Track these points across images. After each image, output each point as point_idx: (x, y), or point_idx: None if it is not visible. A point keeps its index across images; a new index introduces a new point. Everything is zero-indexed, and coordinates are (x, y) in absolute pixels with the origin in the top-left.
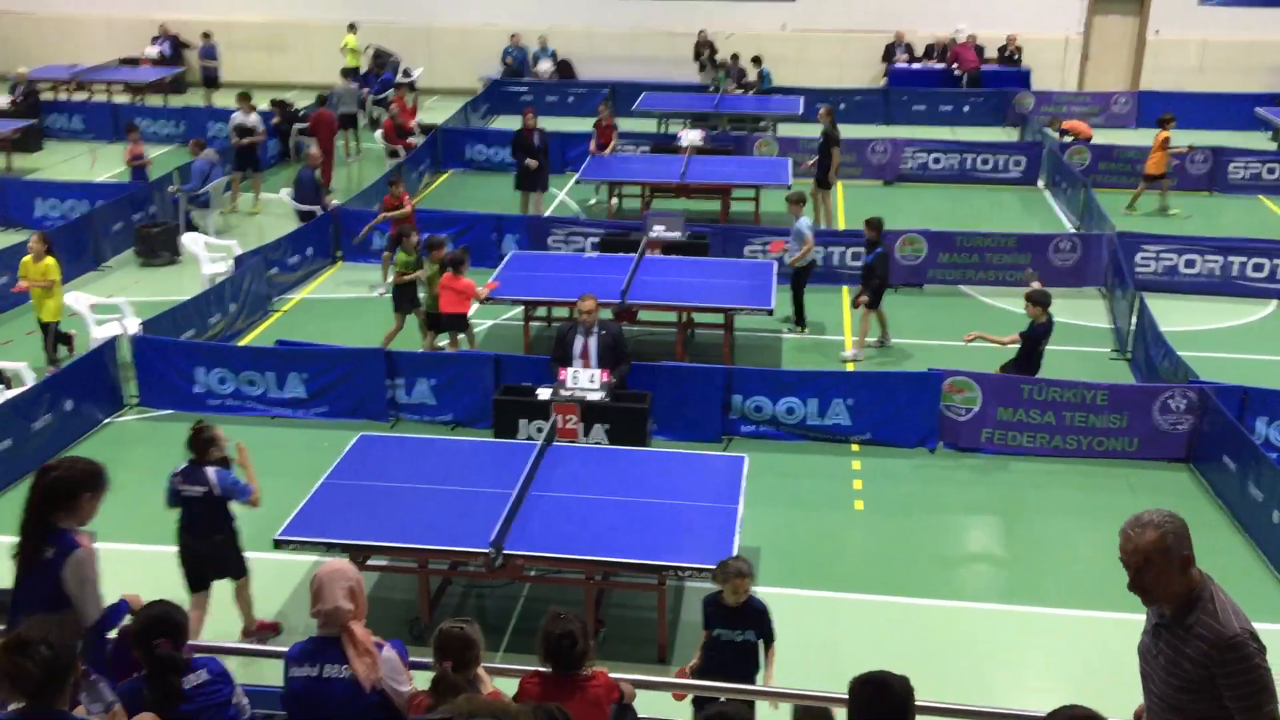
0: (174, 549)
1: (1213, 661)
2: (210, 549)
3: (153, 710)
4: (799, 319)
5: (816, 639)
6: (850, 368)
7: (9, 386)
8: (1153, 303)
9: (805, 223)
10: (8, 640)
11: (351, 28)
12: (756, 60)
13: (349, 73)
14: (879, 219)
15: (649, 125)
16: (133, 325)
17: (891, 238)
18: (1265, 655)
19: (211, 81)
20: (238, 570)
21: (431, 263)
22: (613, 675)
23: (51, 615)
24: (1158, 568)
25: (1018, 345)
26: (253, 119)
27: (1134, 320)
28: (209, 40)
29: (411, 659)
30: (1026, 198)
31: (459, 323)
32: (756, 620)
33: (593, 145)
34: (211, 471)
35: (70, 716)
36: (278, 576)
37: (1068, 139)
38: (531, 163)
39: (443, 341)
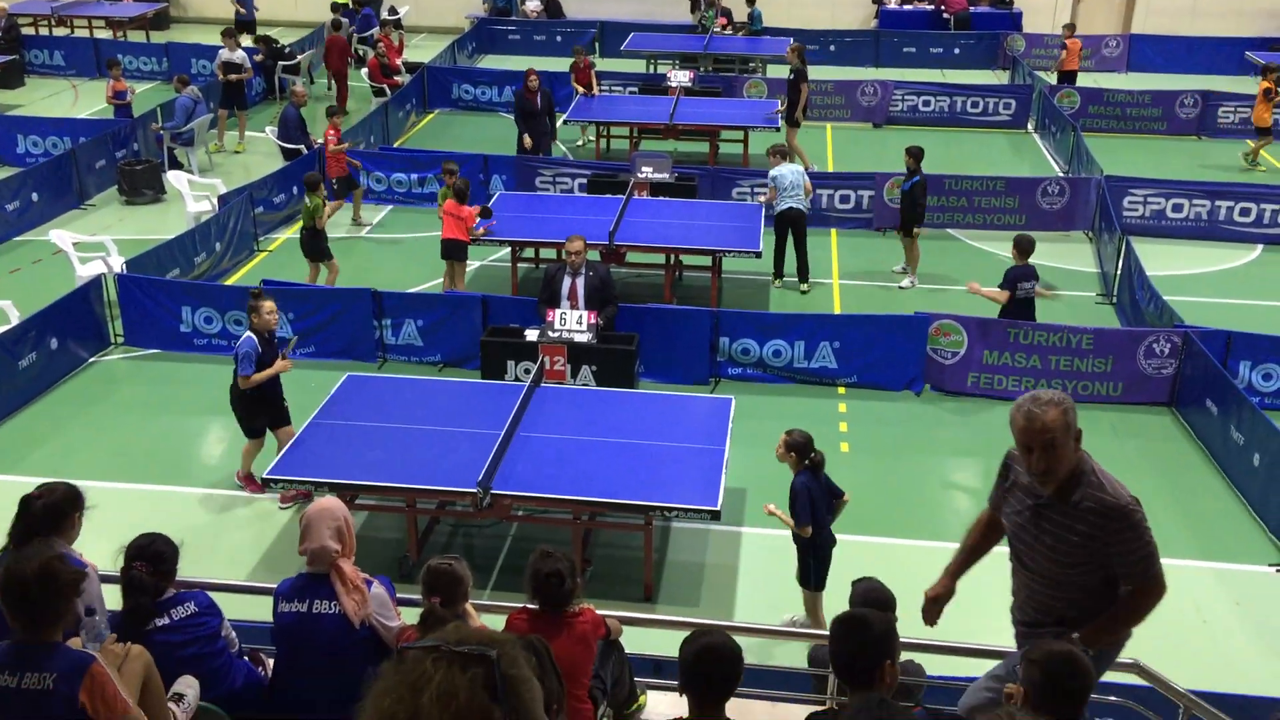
0: (160, 488)
1: (1105, 531)
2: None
3: (122, 630)
4: (777, 269)
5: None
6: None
7: None
8: (1139, 247)
9: (773, 172)
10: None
11: None
12: (749, 0)
13: (338, 8)
14: (919, 148)
15: (638, 65)
16: (117, 264)
17: (880, 180)
18: (1147, 520)
19: (246, 25)
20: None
21: (447, 188)
22: (600, 612)
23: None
24: (1061, 444)
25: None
26: (238, 55)
27: (1120, 264)
28: None
29: (400, 595)
30: (1016, 141)
31: (458, 251)
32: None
33: (578, 88)
34: (245, 335)
35: (65, 646)
36: (266, 515)
37: (1060, 55)
38: (528, 141)
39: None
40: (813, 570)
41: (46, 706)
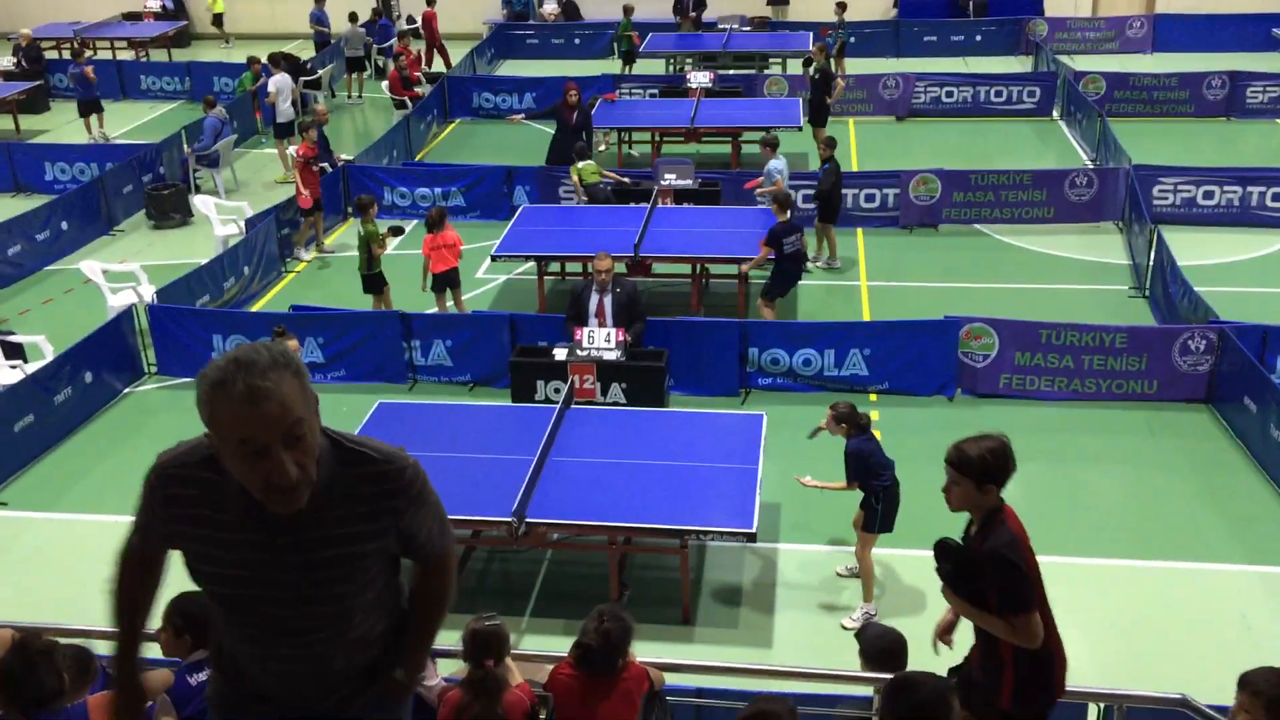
0: None
1: (394, 499)
2: None
3: None
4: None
5: (837, 594)
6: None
7: (27, 360)
8: (1171, 236)
9: (774, 164)
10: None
11: None
12: (841, 6)
13: (355, 17)
14: (832, 137)
15: (657, 66)
16: (148, 292)
17: (906, 177)
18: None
19: (323, 44)
20: None
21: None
22: (641, 660)
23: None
24: (308, 428)
25: (772, 255)
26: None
27: (1152, 256)
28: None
29: (437, 648)
30: (1042, 130)
31: (453, 279)
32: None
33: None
34: None
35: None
36: None
37: None
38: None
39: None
40: (878, 516)
41: None
